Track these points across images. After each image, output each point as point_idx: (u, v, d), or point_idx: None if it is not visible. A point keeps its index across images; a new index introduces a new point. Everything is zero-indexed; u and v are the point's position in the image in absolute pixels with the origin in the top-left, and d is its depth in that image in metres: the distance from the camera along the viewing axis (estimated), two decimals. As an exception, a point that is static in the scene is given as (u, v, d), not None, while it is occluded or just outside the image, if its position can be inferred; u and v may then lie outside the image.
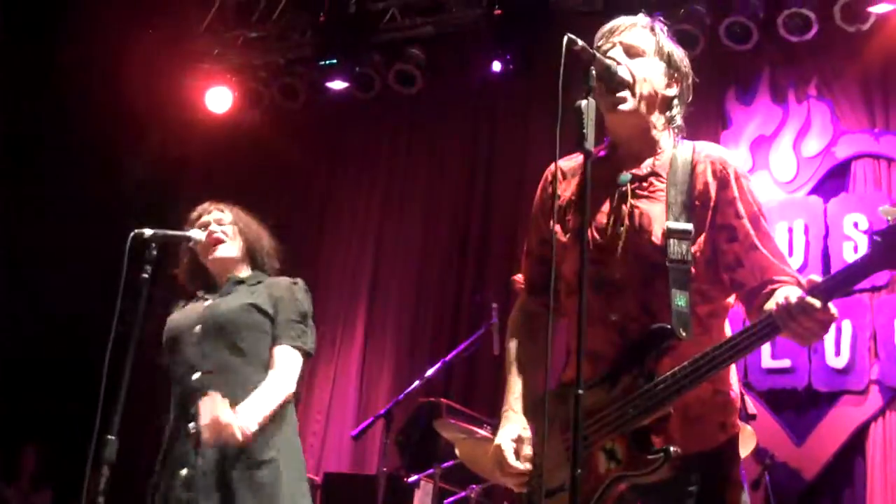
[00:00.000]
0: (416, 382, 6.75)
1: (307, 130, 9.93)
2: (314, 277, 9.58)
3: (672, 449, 2.84)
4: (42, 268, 9.04)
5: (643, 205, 3.07)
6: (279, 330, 4.36)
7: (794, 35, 7.85)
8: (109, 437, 3.88)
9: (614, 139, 3.22)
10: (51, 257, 8.94)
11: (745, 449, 6.28)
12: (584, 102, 2.80)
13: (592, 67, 2.90)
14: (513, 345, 3.33)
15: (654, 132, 3.17)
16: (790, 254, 7.61)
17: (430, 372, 6.81)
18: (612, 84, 3.07)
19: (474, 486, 6.43)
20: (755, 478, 6.67)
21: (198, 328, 4.33)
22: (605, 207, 3.11)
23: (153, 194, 9.35)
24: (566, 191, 3.25)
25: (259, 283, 4.51)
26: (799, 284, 2.92)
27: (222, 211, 4.62)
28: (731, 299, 3.15)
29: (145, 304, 4.18)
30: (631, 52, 3.14)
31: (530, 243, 3.38)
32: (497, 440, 3.13)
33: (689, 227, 3.00)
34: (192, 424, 4.15)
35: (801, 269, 7.56)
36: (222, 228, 4.55)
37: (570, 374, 3.13)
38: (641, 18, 3.23)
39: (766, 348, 7.62)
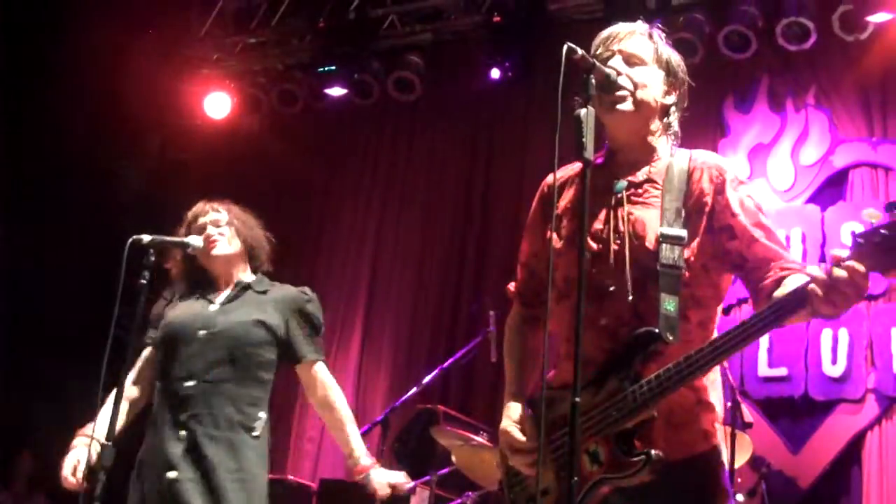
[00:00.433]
0: (414, 389, 6.75)
1: (306, 136, 9.93)
2: (312, 283, 9.47)
3: (654, 452, 2.84)
4: (39, 273, 9.04)
5: (637, 211, 3.08)
6: (301, 347, 4.46)
7: (793, 44, 7.87)
8: (105, 442, 3.87)
9: (612, 145, 3.23)
10: (48, 263, 8.94)
11: (742, 457, 6.29)
12: (583, 111, 2.80)
13: (592, 76, 2.90)
14: (508, 347, 3.39)
15: (650, 139, 3.18)
16: (787, 262, 7.60)
17: (427, 379, 6.81)
18: (612, 91, 3.07)
19: (470, 493, 6.42)
20: (751, 486, 6.66)
21: (202, 333, 4.33)
22: (601, 214, 3.12)
23: (151, 199, 9.35)
24: (563, 199, 3.26)
25: (266, 291, 4.52)
26: (804, 272, 2.91)
27: (218, 211, 4.61)
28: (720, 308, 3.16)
29: (143, 310, 4.19)
30: (630, 61, 3.14)
31: (523, 254, 3.41)
32: (503, 426, 3.15)
33: (683, 232, 3.01)
34: (182, 432, 4.18)
35: (798, 278, 7.56)
36: (219, 230, 4.54)
37: (557, 378, 3.16)
38: (640, 26, 3.23)
39: (762, 356, 7.62)
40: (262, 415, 4.31)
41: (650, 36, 3.21)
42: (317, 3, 9.37)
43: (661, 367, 2.89)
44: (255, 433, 4.26)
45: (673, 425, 2.98)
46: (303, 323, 4.48)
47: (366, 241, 9.68)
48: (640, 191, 3.13)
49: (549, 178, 3.29)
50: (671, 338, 2.91)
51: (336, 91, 9.36)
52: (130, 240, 4.17)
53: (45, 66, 9.17)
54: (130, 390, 4.43)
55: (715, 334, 3.12)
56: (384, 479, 4.40)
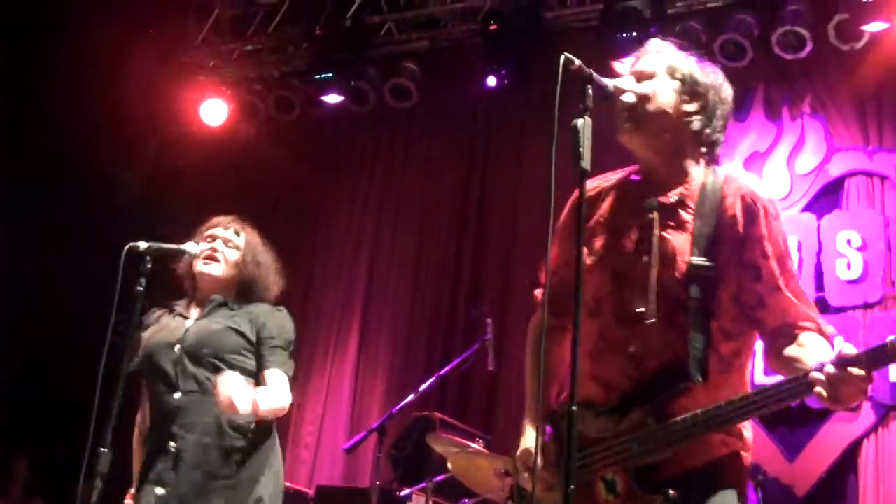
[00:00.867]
0: (410, 396, 6.74)
1: (302, 143, 9.93)
2: (308, 290, 9.61)
3: (671, 493, 2.84)
4: (36, 280, 9.03)
5: (669, 236, 3.04)
6: (267, 355, 4.40)
7: (789, 53, 7.88)
8: (102, 449, 3.88)
9: (642, 166, 3.20)
10: (45, 270, 8.93)
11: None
12: (579, 121, 2.79)
13: (589, 86, 2.89)
14: (532, 358, 3.33)
15: (679, 155, 3.15)
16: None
17: (424, 386, 6.80)
18: (619, 110, 3.09)
19: (466, 500, 6.42)
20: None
21: (177, 348, 4.34)
22: (632, 234, 3.09)
23: (148, 206, 9.35)
24: (597, 211, 3.20)
25: (240, 307, 4.51)
26: (820, 330, 2.94)
27: (238, 234, 4.60)
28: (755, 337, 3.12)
29: (139, 317, 4.20)
30: (642, 77, 3.15)
31: (553, 261, 3.20)
32: (525, 446, 3.12)
33: (713, 263, 2.97)
34: (171, 444, 4.19)
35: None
36: (225, 252, 4.53)
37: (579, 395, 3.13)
38: (653, 43, 3.25)
39: (759, 364, 7.62)
40: (253, 419, 4.30)
41: (660, 49, 3.22)
42: (313, 11, 9.36)
43: (688, 403, 2.89)
44: (250, 435, 4.28)
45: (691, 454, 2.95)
46: (274, 334, 4.45)
47: (362, 247, 9.68)
48: (672, 213, 3.07)
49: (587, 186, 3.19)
50: (700, 379, 2.89)
51: (332, 98, 9.36)
52: (127, 247, 4.18)
53: (41, 71, 9.16)
54: (141, 423, 4.47)
55: (748, 368, 3.12)
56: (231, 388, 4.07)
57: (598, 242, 3.13)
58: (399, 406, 6.74)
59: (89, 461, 3.85)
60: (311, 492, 7.74)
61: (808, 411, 7.51)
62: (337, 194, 9.94)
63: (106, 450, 3.87)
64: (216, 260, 4.51)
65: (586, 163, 2.78)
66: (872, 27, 7.59)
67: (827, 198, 7.94)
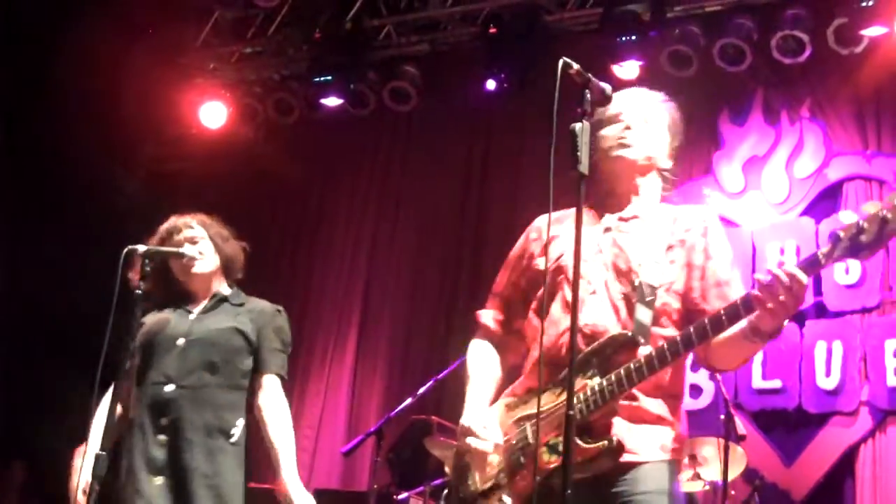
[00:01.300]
0: (408, 400, 6.75)
1: (301, 146, 9.92)
2: (307, 292, 9.61)
3: (616, 439, 2.99)
4: (34, 282, 9.02)
5: (624, 236, 3.29)
6: (266, 358, 4.43)
7: (788, 57, 7.89)
8: (100, 452, 3.87)
9: (606, 188, 3.40)
10: (43, 272, 8.92)
11: (735, 469, 6.29)
12: (577, 125, 2.86)
13: (587, 90, 2.95)
14: (475, 364, 3.58)
15: (644, 191, 3.39)
16: (782, 274, 7.63)
17: (422, 389, 6.81)
18: (621, 136, 3.30)
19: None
20: (744, 498, 6.66)
21: (181, 341, 4.34)
22: (589, 240, 3.25)
23: (147, 209, 9.34)
24: (553, 242, 3.38)
25: (242, 304, 4.53)
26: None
27: (192, 227, 4.59)
28: None
29: (138, 320, 4.20)
30: (644, 121, 3.35)
31: (504, 284, 3.60)
32: (463, 420, 3.35)
33: (664, 258, 3.22)
34: (161, 436, 4.19)
35: (792, 290, 7.57)
36: (197, 248, 4.54)
37: (522, 385, 3.35)
38: (658, 95, 3.45)
39: (756, 369, 7.63)
40: (241, 421, 4.33)
41: (666, 105, 3.43)
42: (313, 14, 9.37)
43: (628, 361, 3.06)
44: (232, 439, 4.28)
45: (633, 431, 3.09)
46: (273, 336, 4.48)
47: (361, 250, 9.69)
48: (627, 224, 3.33)
49: (539, 221, 3.52)
50: (643, 340, 3.08)
51: (332, 101, 9.35)
52: (126, 249, 4.18)
53: (40, 73, 9.15)
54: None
55: (687, 362, 3.36)
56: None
57: (556, 251, 3.35)
58: (397, 410, 6.74)
59: (86, 464, 3.85)
60: (308, 495, 7.72)
61: (807, 416, 7.52)
62: (336, 197, 9.95)
63: (104, 453, 3.87)
64: (202, 254, 4.52)
65: (584, 166, 2.85)
66: (872, 32, 7.60)
67: (825, 202, 7.94)
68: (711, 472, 6.40)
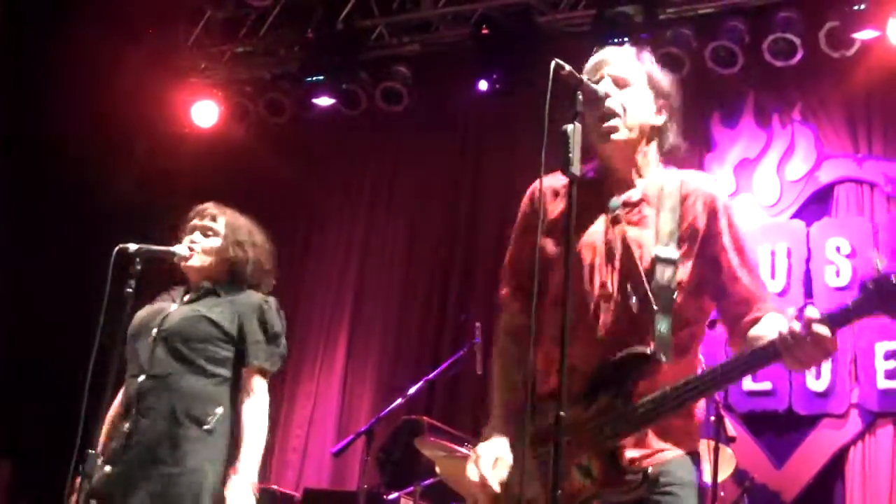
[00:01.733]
0: (399, 400, 6.75)
1: (293, 146, 9.92)
2: (298, 292, 9.60)
3: (650, 470, 2.90)
4: (24, 282, 9.00)
5: (633, 231, 3.15)
6: (248, 351, 4.43)
7: (780, 60, 7.90)
8: (90, 450, 3.87)
9: (605, 163, 3.28)
10: (33, 272, 8.90)
11: (725, 471, 6.29)
12: (570, 127, 2.85)
13: (579, 92, 2.94)
14: (500, 360, 3.35)
15: (643, 160, 3.26)
16: (772, 277, 7.66)
17: (412, 390, 6.80)
18: (603, 115, 3.15)
19: (454, 503, 6.42)
20: (734, 500, 6.67)
21: (154, 332, 4.38)
22: (598, 229, 3.17)
23: (138, 208, 9.33)
24: (555, 208, 3.28)
25: (231, 297, 4.53)
26: (780, 311, 3.05)
27: (214, 220, 4.62)
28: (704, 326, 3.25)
29: (128, 319, 4.21)
30: (620, 84, 3.21)
31: (514, 260, 3.42)
32: (479, 448, 3.15)
33: (676, 254, 3.09)
34: (126, 425, 4.21)
35: (783, 293, 7.61)
36: (203, 242, 4.55)
37: (545, 388, 3.16)
38: (628, 49, 3.31)
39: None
40: (219, 410, 4.32)
41: (638, 57, 3.28)
42: (305, 14, 9.37)
43: (651, 385, 2.95)
44: (206, 426, 4.27)
45: (661, 436, 3.03)
46: (256, 329, 4.47)
47: (352, 250, 9.68)
48: (635, 210, 3.19)
49: (537, 184, 3.30)
50: (664, 358, 2.97)
51: (324, 101, 9.36)
52: (117, 248, 4.18)
53: (32, 73, 9.14)
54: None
55: (700, 350, 3.24)
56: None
57: (564, 231, 3.15)
58: (387, 409, 6.74)
59: (77, 463, 3.85)
60: (298, 495, 7.73)
61: (797, 418, 7.53)
62: (327, 197, 9.94)
63: (94, 451, 3.87)
64: (192, 251, 4.53)
65: (576, 168, 2.84)
66: (863, 35, 7.61)
67: (816, 205, 7.96)
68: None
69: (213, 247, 4.57)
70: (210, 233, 4.58)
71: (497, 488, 3.07)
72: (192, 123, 9.82)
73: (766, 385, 7.59)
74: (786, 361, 2.81)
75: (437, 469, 6.17)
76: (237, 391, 4.40)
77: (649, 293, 3.04)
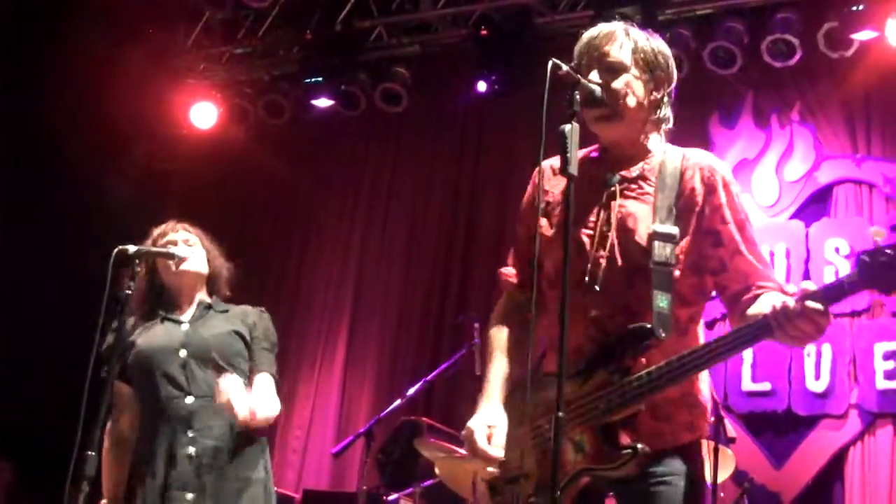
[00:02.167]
0: (398, 401, 6.75)
1: (292, 147, 9.92)
2: (297, 292, 9.61)
3: (640, 446, 2.90)
4: (23, 283, 9.00)
5: (630, 205, 3.13)
6: (257, 358, 4.47)
7: (778, 60, 7.90)
8: (89, 452, 3.87)
9: (605, 143, 3.27)
10: (32, 273, 8.90)
11: (725, 472, 6.29)
12: (567, 127, 2.84)
13: (576, 91, 2.94)
14: (496, 332, 3.34)
15: (642, 137, 3.22)
16: (772, 277, 7.65)
17: (411, 391, 6.81)
18: (599, 110, 3.13)
19: (453, 504, 6.42)
20: (734, 500, 6.67)
21: (182, 352, 4.36)
22: (594, 206, 3.16)
23: (137, 209, 9.32)
24: (556, 188, 3.27)
25: (227, 310, 4.58)
26: (782, 290, 3.00)
27: (189, 231, 4.62)
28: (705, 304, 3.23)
29: (126, 321, 4.20)
30: (612, 68, 3.18)
31: (520, 238, 3.40)
32: (470, 423, 3.16)
33: (675, 230, 3.06)
34: (190, 448, 4.22)
35: (781, 293, 7.59)
36: (191, 249, 4.55)
37: (547, 366, 3.18)
38: (618, 27, 3.30)
39: (746, 371, 7.64)
40: None
41: (628, 35, 3.27)
42: (304, 15, 9.37)
43: (650, 361, 2.95)
44: (258, 439, 4.38)
45: (658, 418, 3.02)
46: (262, 337, 4.53)
47: (351, 251, 9.68)
48: (633, 186, 3.17)
49: (544, 164, 3.24)
50: (663, 334, 2.96)
51: (323, 102, 9.35)
52: (116, 249, 4.17)
53: (31, 74, 9.14)
54: (120, 432, 4.47)
55: (701, 331, 3.21)
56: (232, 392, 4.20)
57: (559, 216, 3.20)
58: (387, 410, 6.74)
59: (76, 464, 3.84)
60: (298, 496, 7.73)
61: (796, 419, 7.53)
62: (326, 198, 9.94)
63: (93, 453, 3.86)
64: (192, 254, 4.53)
65: (573, 168, 2.82)
66: (862, 35, 7.61)
67: (815, 205, 7.96)
68: (700, 474, 6.39)
69: (204, 255, 4.58)
70: (192, 242, 4.58)
71: (500, 454, 3.07)
72: (190, 125, 9.81)
73: (765, 385, 7.59)
74: (778, 336, 2.81)
75: (437, 470, 6.17)
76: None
77: (648, 268, 3.02)
